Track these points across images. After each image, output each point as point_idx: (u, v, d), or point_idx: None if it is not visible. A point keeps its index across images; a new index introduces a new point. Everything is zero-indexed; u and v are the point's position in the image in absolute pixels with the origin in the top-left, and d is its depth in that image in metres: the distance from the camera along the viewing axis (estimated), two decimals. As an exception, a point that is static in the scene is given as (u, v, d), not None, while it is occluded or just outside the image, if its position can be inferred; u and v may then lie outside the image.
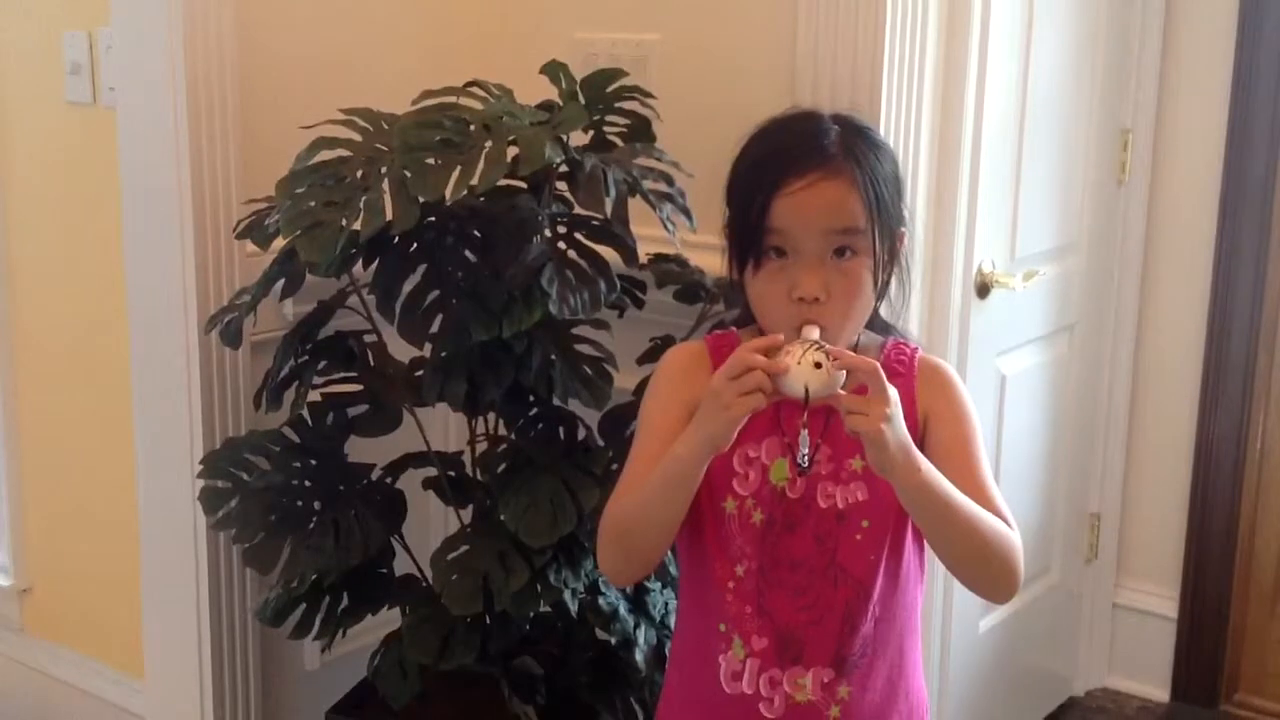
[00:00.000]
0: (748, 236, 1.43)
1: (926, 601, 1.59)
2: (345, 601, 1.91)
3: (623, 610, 1.91)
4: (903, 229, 1.49)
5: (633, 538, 1.46)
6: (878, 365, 1.32)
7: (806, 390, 1.30)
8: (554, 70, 1.87)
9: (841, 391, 1.31)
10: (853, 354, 1.34)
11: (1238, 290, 2.71)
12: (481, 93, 1.83)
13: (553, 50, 1.95)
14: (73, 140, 2.52)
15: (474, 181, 1.64)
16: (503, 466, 1.87)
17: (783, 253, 1.41)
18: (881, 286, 1.48)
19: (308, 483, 1.90)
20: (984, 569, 1.42)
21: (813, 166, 1.41)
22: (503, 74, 1.93)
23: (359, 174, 1.70)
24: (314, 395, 1.92)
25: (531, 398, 1.89)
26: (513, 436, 1.91)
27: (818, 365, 1.31)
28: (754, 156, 1.47)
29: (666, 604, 1.96)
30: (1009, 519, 1.43)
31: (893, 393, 1.31)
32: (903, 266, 1.51)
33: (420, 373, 1.87)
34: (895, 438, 1.31)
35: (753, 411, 1.33)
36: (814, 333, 1.38)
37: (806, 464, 1.38)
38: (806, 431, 1.35)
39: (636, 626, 1.91)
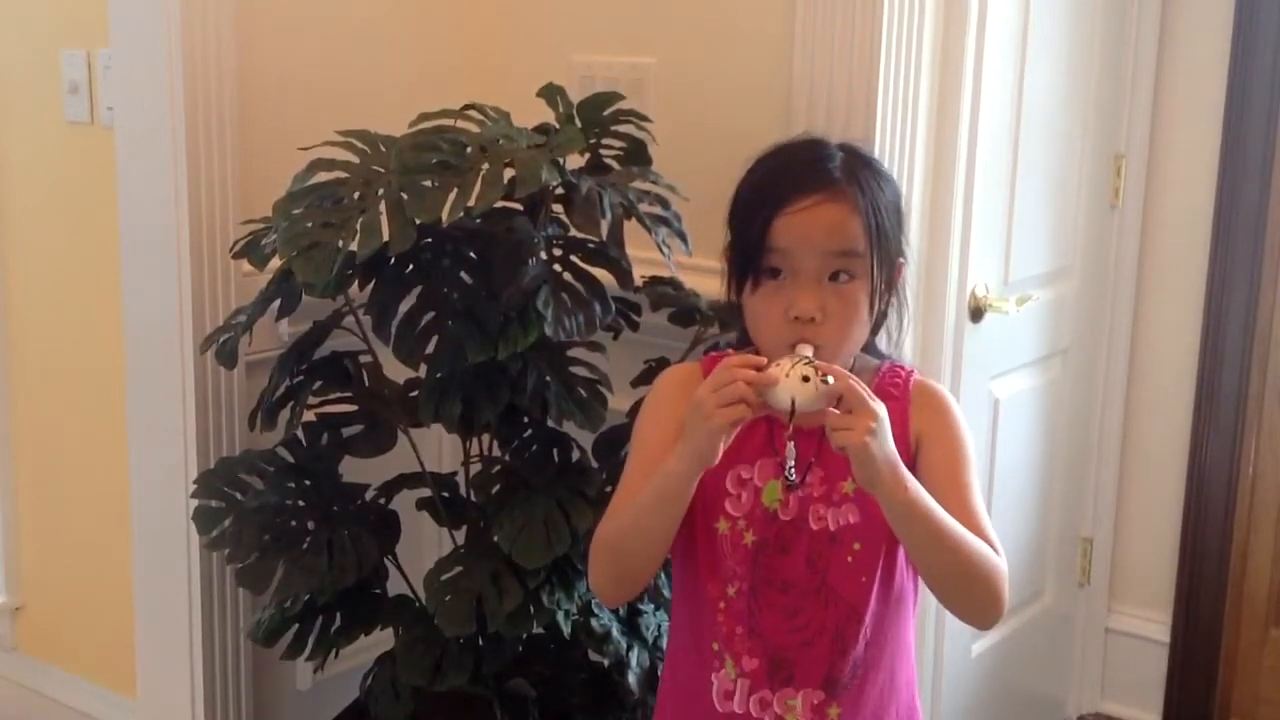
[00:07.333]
0: (747, 254, 1.44)
1: (918, 624, 1.58)
2: (338, 622, 1.90)
3: (616, 632, 1.91)
4: (902, 260, 1.50)
5: (624, 556, 1.46)
6: (859, 380, 1.33)
7: (793, 403, 1.31)
8: (551, 93, 1.88)
9: (831, 409, 1.31)
10: (840, 369, 1.34)
11: (1230, 314, 2.71)
12: (478, 115, 1.83)
13: (549, 73, 1.96)
14: (71, 159, 2.53)
15: (470, 203, 1.65)
16: (497, 488, 1.88)
17: (781, 272, 1.42)
18: (878, 315, 1.48)
19: (302, 503, 1.90)
20: (968, 593, 1.41)
21: (816, 188, 1.42)
22: (500, 97, 1.94)
23: (356, 195, 1.70)
24: (309, 415, 1.92)
25: (526, 419, 1.89)
26: (507, 458, 1.91)
27: (805, 379, 1.31)
28: (758, 177, 1.48)
29: (659, 626, 1.96)
30: (997, 546, 1.42)
31: (880, 409, 1.31)
32: (900, 298, 1.52)
33: (415, 393, 1.87)
34: (881, 453, 1.31)
35: (736, 423, 1.33)
36: (807, 350, 1.38)
37: (794, 477, 1.38)
38: (793, 444, 1.34)
39: (629, 648, 1.91)
